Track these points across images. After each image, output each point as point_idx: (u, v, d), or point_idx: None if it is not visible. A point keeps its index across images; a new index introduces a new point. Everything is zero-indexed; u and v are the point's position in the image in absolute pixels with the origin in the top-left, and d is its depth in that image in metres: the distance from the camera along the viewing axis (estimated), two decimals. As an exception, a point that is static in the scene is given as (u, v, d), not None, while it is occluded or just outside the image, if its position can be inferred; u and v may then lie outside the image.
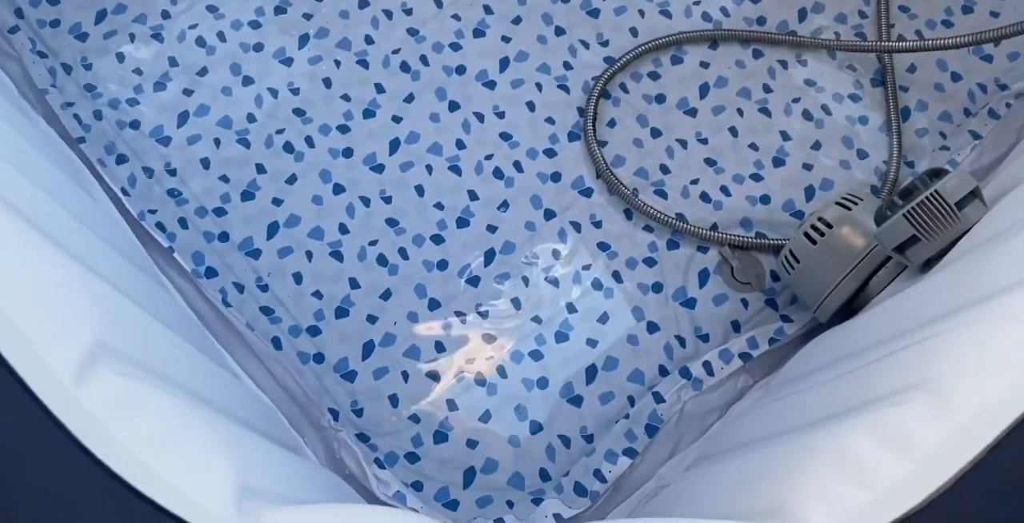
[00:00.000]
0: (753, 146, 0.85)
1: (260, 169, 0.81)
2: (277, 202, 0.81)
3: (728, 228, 0.82)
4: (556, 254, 0.81)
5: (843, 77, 0.88)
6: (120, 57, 0.83)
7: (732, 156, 0.85)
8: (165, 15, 0.85)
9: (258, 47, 0.84)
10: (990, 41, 0.79)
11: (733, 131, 0.85)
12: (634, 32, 0.88)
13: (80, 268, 0.44)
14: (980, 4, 0.91)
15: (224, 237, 0.79)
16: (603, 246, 0.81)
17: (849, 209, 0.72)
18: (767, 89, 0.87)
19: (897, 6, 0.91)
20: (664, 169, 0.84)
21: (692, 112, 0.86)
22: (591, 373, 0.77)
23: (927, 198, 0.60)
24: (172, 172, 0.80)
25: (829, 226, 0.72)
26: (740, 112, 0.86)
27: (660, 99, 0.86)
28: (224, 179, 0.81)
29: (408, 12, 0.87)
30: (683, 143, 0.85)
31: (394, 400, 0.76)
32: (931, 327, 0.42)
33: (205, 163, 0.81)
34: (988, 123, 0.84)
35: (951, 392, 0.34)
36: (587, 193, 0.83)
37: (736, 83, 0.87)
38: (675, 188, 0.84)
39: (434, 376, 0.77)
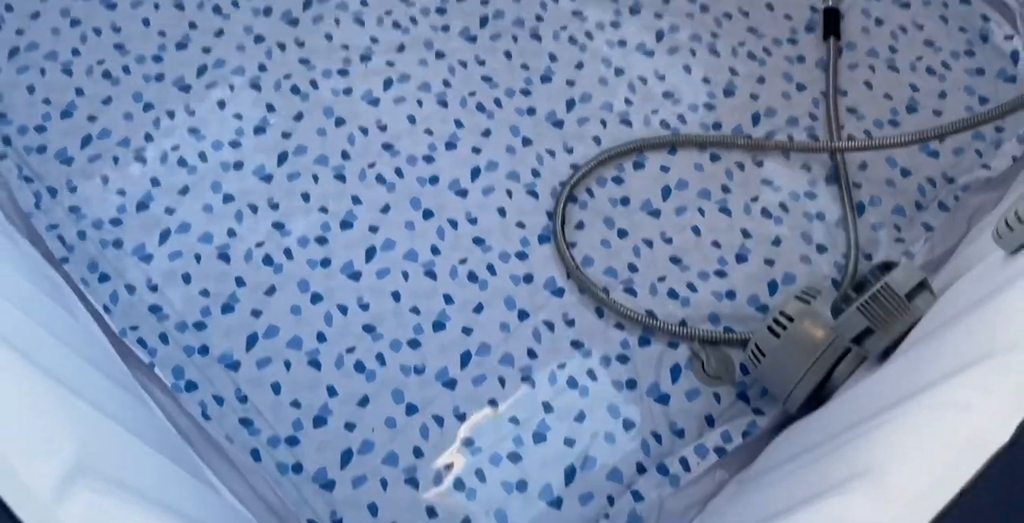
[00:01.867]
0: (716, 244, 0.90)
1: (240, 282, 0.85)
2: (256, 313, 0.84)
3: (697, 323, 0.86)
4: (532, 353, 0.84)
5: (798, 176, 0.94)
6: (104, 179, 0.89)
7: (696, 254, 0.89)
8: (148, 138, 0.91)
9: (238, 166, 0.90)
10: (934, 138, 0.86)
11: (696, 230, 0.91)
12: (597, 140, 0.94)
13: (61, 389, 0.47)
14: (923, 104, 0.98)
15: (204, 350, 0.82)
16: (577, 344, 0.85)
17: (808, 303, 0.76)
18: (726, 189, 0.93)
19: (845, 108, 0.98)
20: (632, 268, 0.89)
21: (656, 213, 0.91)
22: (570, 474, 0.79)
23: (878, 291, 0.64)
24: (153, 288, 0.84)
25: (791, 320, 0.75)
26: (701, 212, 0.92)
27: (625, 202, 0.92)
28: (204, 293, 0.84)
29: (383, 128, 0.94)
30: (649, 243, 0.90)
31: (373, 509, 0.77)
32: (878, 417, 0.45)
33: (186, 278, 0.85)
34: (939, 215, 0.90)
35: (889, 479, 0.36)
36: (559, 293, 0.87)
37: (696, 185, 0.93)
38: (644, 286, 0.88)
39: (413, 482, 0.78)
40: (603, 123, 0.95)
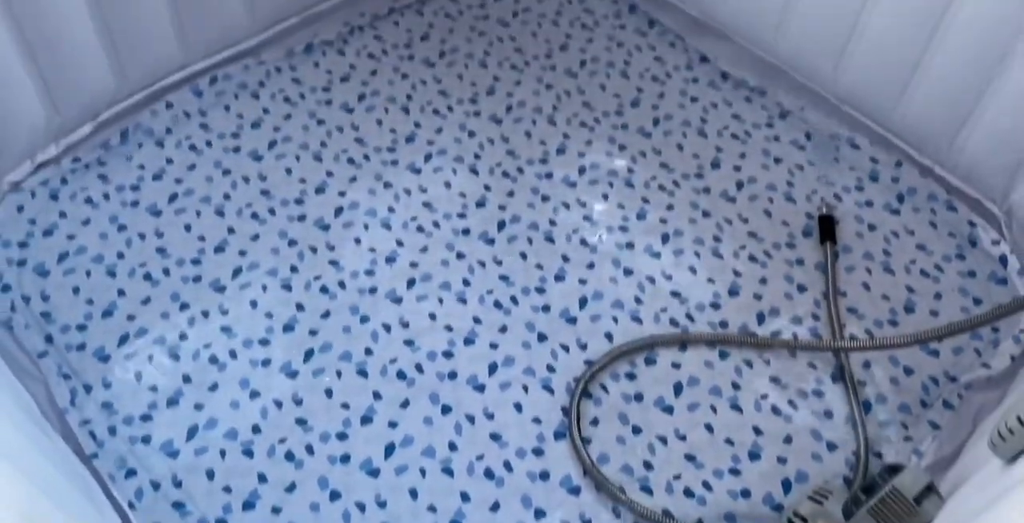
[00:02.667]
0: (729, 441, 0.93)
1: (262, 478, 0.88)
2: (276, 511, 0.86)
3: (714, 524, 0.88)
4: (549, 557, 0.85)
5: (805, 374, 0.99)
6: (138, 376, 0.94)
7: (710, 451, 0.93)
8: (183, 337, 0.97)
9: (266, 363, 0.96)
10: (933, 339, 0.91)
11: (709, 427, 0.94)
12: (609, 337, 1.01)
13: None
14: (920, 305, 1.05)
15: None
16: (594, 546, 0.86)
17: (821, 503, 0.78)
18: (736, 387, 0.97)
19: (846, 308, 1.05)
20: (648, 465, 0.91)
21: (669, 410, 0.95)
22: None
23: (886, 494, 0.67)
24: (178, 484, 0.87)
25: (804, 521, 0.77)
26: (714, 409, 0.96)
27: (639, 398, 0.96)
28: (227, 490, 0.87)
29: (405, 325, 1.00)
30: (663, 440, 0.93)
31: None
32: None
33: (210, 474, 0.88)
34: (944, 414, 0.94)
35: None
36: (575, 491, 0.89)
37: (707, 382, 0.98)
38: (659, 484, 0.90)
39: None
40: (615, 320, 1.02)
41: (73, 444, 0.88)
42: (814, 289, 1.06)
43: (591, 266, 1.05)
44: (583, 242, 1.08)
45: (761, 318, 1.04)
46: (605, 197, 1.12)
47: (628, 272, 1.05)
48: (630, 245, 1.08)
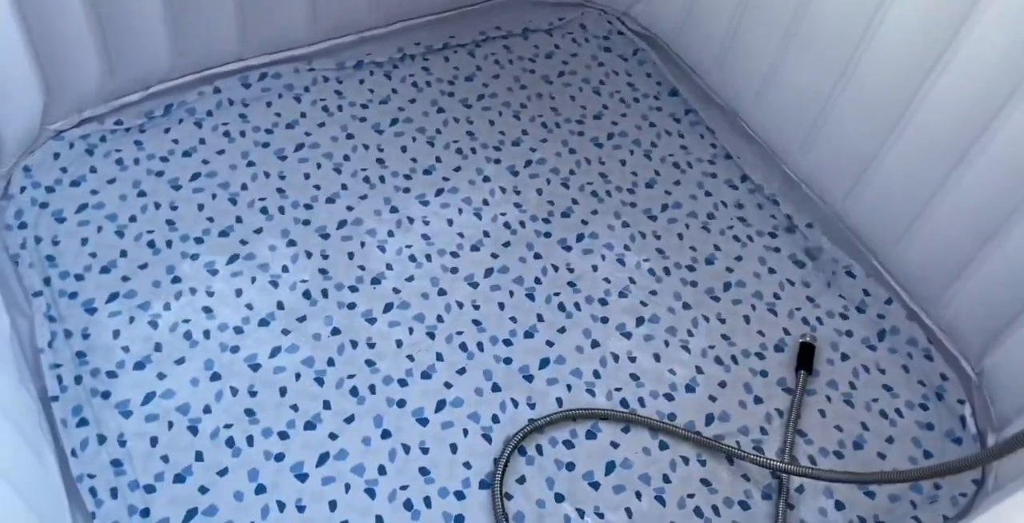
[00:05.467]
0: None
1: (199, 456, 0.99)
2: (203, 490, 0.97)
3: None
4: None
5: (737, 484, 1.07)
6: (115, 334, 1.06)
7: None
8: (166, 307, 1.09)
9: (235, 349, 1.07)
10: (873, 482, 0.99)
11: (628, 512, 1.03)
12: (559, 402, 1.10)
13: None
14: (870, 443, 1.12)
15: (146, 513, 0.95)
16: (483, 596, 0.95)
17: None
18: (666, 479, 1.06)
19: (796, 429, 1.13)
20: None
21: (595, 486, 1.05)
22: None
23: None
24: (122, 443, 0.99)
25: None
26: (638, 495, 1.05)
27: (570, 467, 1.06)
28: (164, 459, 0.99)
29: (371, 345, 1.11)
30: (581, 513, 1.02)
31: None
32: None
33: (153, 441, 1.00)
34: (859, 555, 1.02)
35: None
36: (482, 541, 0.99)
37: (640, 468, 1.07)
38: (562, 554, 0.99)
39: None
40: (569, 387, 1.11)
41: (39, 384, 1.01)
42: (769, 403, 1.14)
43: (562, 330, 1.15)
44: (560, 306, 1.18)
45: (710, 419, 1.12)
46: (594, 268, 1.22)
47: (595, 344, 1.15)
48: (604, 319, 1.17)
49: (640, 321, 1.18)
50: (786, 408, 1.13)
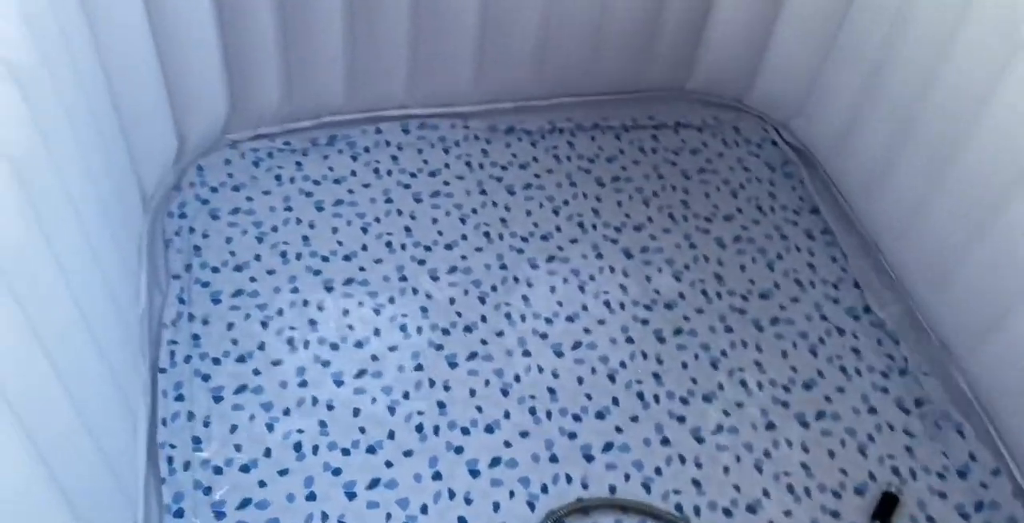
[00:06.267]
0: None
1: (267, 453, 1.07)
2: (262, 484, 1.04)
3: None
4: None
5: None
6: (229, 326, 1.18)
7: None
8: (279, 312, 1.21)
9: (325, 363, 1.17)
10: None
11: None
12: (612, 489, 1.09)
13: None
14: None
15: (208, 491, 1.03)
16: None
17: None
18: None
19: None
20: None
21: None
22: None
23: None
24: (206, 424, 1.09)
25: None
26: None
27: None
28: (237, 448, 1.07)
29: (447, 388, 1.16)
30: None
31: None
32: None
33: (232, 428, 1.09)
34: None
35: None
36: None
37: None
38: None
39: None
40: (626, 477, 1.11)
41: (153, 354, 1.14)
42: (836, 539, 1.10)
43: (634, 419, 1.15)
44: (640, 395, 1.18)
45: (766, 545, 1.10)
46: (684, 366, 1.22)
47: (665, 442, 1.14)
48: (681, 418, 1.17)
49: (719, 429, 1.17)
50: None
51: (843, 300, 1.33)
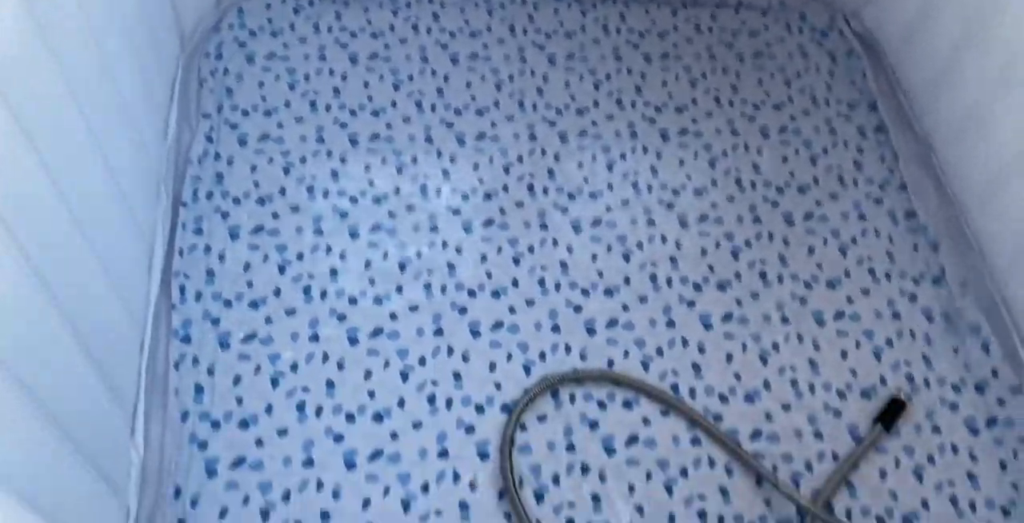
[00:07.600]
0: (639, 509, 1.00)
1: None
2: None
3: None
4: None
5: (755, 504, 1.02)
6: (253, 168, 1.21)
7: (620, 503, 1.00)
8: (302, 160, 1.23)
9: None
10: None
11: (631, 487, 1.02)
12: (610, 363, 1.10)
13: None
14: None
15: (216, 322, 1.07)
16: None
17: None
18: (684, 473, 1.03)
19: (847, 480, 1.06)
20: (555, 480, 1.02)
21: (611, 451, 1.04)
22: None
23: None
24: (221, 258, 1.12)
25: None
26: (648, 476, 1.02)
27: (594, 425, 1.06)
28: (249, 284, 1.11)
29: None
30: (585, 469, 1.02)
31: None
32: None
33: (246, 266, 1.12)
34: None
35: None
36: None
37: (662, 452, 1.05)
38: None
39: None
40: (626, 353, 1.12)
41: (177, 187, 1.17)
42: (829, 443, 1.08)
43: (643, 300, 1.15)
44: (652, 277, 1.17)
45: (757, 435, 1.09)
46: (703, 252, 1.21)
47: (671, 323, 1.14)
48: (691, 304, 1.16)
49: (728, 317, 1.17)
50: (844, 454, 1.08)
51: (885, 201, 1.29)
